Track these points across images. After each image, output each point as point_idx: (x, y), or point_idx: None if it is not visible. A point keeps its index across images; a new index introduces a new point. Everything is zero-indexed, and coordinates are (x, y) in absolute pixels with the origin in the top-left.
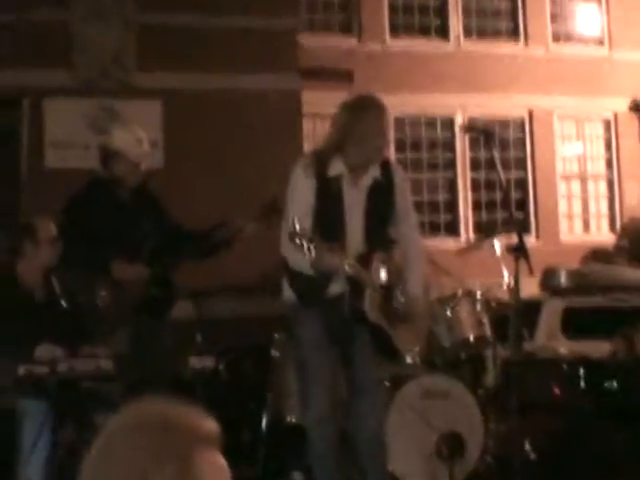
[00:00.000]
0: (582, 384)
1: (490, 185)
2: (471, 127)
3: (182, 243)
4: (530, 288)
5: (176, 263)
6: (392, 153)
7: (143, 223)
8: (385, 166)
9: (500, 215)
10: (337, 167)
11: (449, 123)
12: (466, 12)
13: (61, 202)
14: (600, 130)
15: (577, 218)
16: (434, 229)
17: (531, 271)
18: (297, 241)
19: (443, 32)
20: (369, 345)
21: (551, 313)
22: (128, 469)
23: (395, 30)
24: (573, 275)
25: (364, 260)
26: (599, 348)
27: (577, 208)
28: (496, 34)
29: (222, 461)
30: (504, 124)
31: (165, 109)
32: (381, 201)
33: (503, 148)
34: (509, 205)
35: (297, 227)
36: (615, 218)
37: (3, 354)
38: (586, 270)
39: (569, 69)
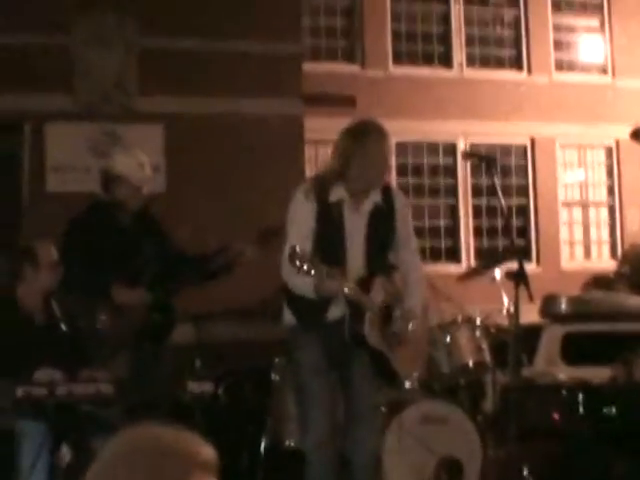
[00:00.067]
0: (581, 410)
1: (491, 212)
2: (473, 154)
3: (183, 268)
4: (530, 315)
5: (177, 288)
6: (394, 178)
7: (144, 247)
8: (386, 191)
9: (501, 242)
10: (338, 192)
11: (451, 149)
12: (469, 40)
13: (62, 226)
14: (602, 157)
15: (578, 245)
16: (435, 255)
17: (531, 298)
18: (297, 263)
19: (446, 60)
20: (368, 369)
21: (551, 339)
22: None
23: (398, 57)
24: (573, 302)
25: (364, 284)
26: (599, 374)
27: (578, 235)
28: (499, 62)
29: None
30: (506, 151)
31: (167, 133)
32: (382, 226)
33: (505, 175)
34: (510, 232)
35: (297, 249)
36: (616, 245)
37: (2, 376)
38: (587, 297)
39: (572, 97)
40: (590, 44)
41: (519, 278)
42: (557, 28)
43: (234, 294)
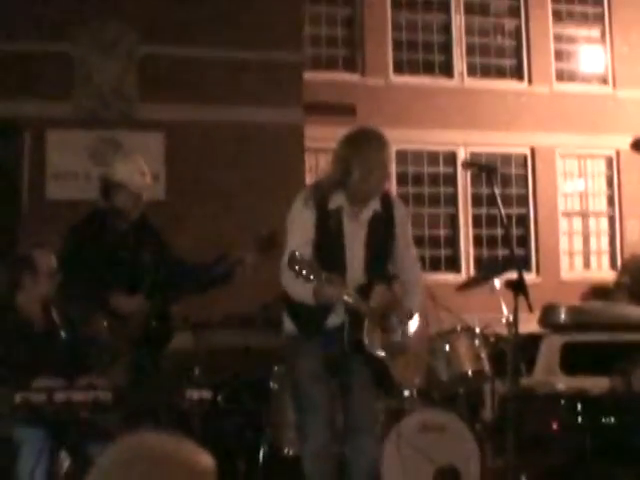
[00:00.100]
0: (580, 420)
1: (491, 221)
2: (473, 163)
3: (182, 277)
4: (529, 324)
5: (176, 296)
6: (394, 187)
7: (143, 255)
8: (385, 199)
9: (501, 251)
10: (338, 200)
11: (451, 158)
12: (470, 50)
13: (62, 233)
14: (602, 167)
15: (578, 255)
16: (435, 264)
17: (530, 308)
18: (296, 268)
19: (447, 69)
20: (368, 377)
21: (550, 349)
22: None
23: (399, 66)
24: (573, 311)
25: (364, 291)
26: (597, 384)
27: (578, 245)
28: (500, 72)
29: None
30: (506, 160)
31: (167, 141)
32: (381, 234)
33: (505, 184)
34: (510, 241)
35: (297, 254)
36: (616, 255)
37: (2, 384)
38: (586, 307)
39: (572, 107)
40: (591, 54)
41: (518, 288)
42: (558, 38)
43: (233, 302)
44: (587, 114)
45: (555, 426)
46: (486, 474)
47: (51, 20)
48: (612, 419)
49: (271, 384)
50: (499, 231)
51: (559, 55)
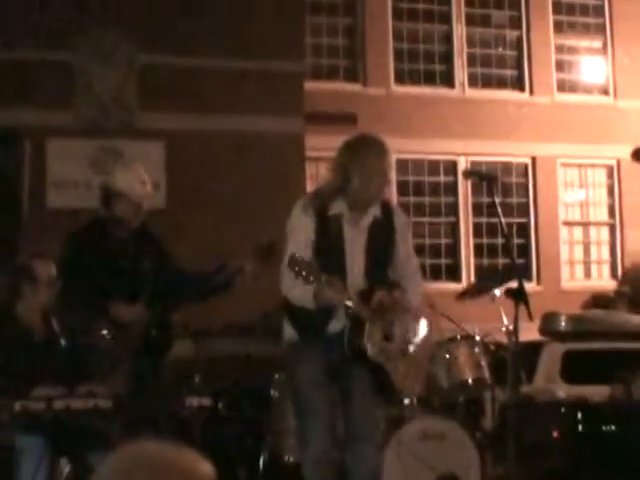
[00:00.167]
0: (580, 428)
1: (492, 230)
2: (474, 172)
3: (183, 285)
4: (529, 333)
5: (176, 305)
6: (394, 196)
7: (143, 264)
8: (386, 207)
9: (501, 260)
10: (338, 206)
11: (452, 168)
12: (471, 60)
13: (62, 241)
14: (603, 177)
15: (578, 264)
16: (435, 273)
17: (530, 317)
18: (296, 269)
19: (448, 79)
20: (369, 383)
21: (551, 357)
22: None
23: (400, 76)
24: (573, 320)
25: (364, 297)
26: (598, 392)
27: (579, 254)
28: (501, 82)
29: None
30: (507, 170)
31: (168, 150)
32: (381, 240)
33: (506, 194)
34: (511, 250)
35: (297, 256)
36: (617, 264)
37: (2, 392)
38: (587, 315)
39: (573, 117)
40: (592, 65)
41: (519, 297)
42: (559, 49)
43: (233, 310)
44: (588, 124)
45: (555, 434)
46: None
47: (51, 29)
48: (612, 427)
49: (271, 392)
50: (500, 240)
51: (560, 66)
